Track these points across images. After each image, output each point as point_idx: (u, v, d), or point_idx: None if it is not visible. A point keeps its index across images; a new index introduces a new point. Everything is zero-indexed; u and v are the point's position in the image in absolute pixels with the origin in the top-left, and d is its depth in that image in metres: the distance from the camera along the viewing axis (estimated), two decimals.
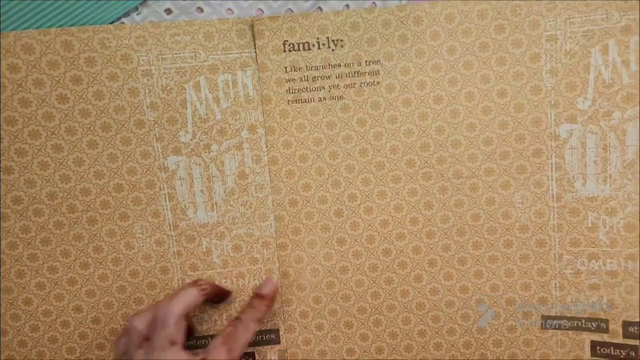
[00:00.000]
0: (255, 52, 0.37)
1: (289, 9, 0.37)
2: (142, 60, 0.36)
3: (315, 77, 0.37)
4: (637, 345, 0.38)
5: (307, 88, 0.37)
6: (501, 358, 0.40)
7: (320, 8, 0.37)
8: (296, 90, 0.37)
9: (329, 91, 0.37)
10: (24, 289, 0.38)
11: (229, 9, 0.37)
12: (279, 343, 0.41)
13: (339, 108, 0.38)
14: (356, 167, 0.38)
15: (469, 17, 0.36)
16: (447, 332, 0.40)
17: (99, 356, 0.40)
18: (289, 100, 0.37)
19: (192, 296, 0.35)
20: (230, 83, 0.37)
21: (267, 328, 0.41)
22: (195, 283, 0.37)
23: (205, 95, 0.37)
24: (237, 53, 0.37)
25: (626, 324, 0.38)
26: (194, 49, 0.36)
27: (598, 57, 0.35)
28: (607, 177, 0.37)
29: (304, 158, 0.38)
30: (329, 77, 0.37)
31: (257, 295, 0.38)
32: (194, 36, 0.36)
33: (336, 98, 0.37)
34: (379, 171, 0.38)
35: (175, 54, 0.36)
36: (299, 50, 0.37)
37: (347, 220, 0.39)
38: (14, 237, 0.38)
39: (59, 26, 0.35)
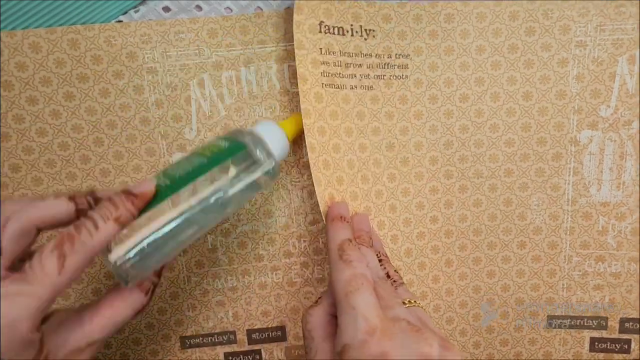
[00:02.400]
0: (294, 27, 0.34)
1: (288, 7, 0.36)
2: (147, 57, 0.35)
3: (347, 63, 0.36)
4: (630, 340, 0.40)
5: (340, 74, 0.36)
6: (507, 357, 0.40)
7: None
8: (330, 75, 0.35)
9: (360, 80, 0.36)
10: None
11: (227, 7, 0.36)
12: (286, 340, 0.40)
13: (368, 99, 0.36)
14: (383, 162, 0.37)
15: (500, 17, 0.36)
16: (459, 333, 0.40)
17: None
18: (323, 84, 0.35)
19: (59, 206, 0.26)
20: (234, 80, 0.36)
21: (274, 325, 0.39)
22: (72, 197, 0.27)
23: (210, 92, 0.36)
24: (241, 50, 0.36)
25: (623, 320, 0.40)
26: (198, 46, 0.36)
27: (624, 66, 0.36)
28: (621, 184, 0.38)
29: (337, 148, 0.36)
30: (360, 66, 0.36)
31: (124, 191, 0.26)
32: (197, 33, 0.35)
33: (366, 88, 0.36)
34: (404, 167, 0.38)
35: (180, 51, 0.35)
36: (333, 33, 0.35)
37: (375, 219, 0.38)
38: None
39: (58, 25, 0.34)
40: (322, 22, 0.35)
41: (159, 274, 0.29)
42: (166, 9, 0.36)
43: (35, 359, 0.24)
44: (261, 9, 0.36)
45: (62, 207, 0.26)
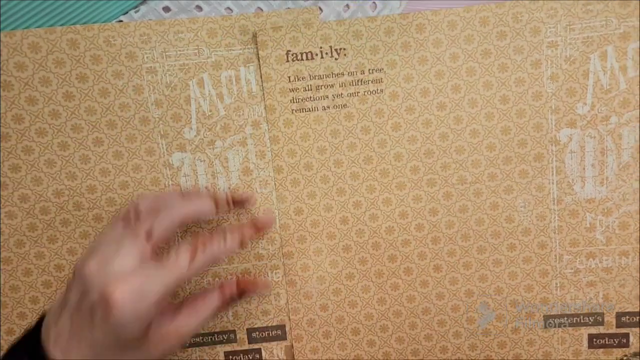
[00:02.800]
0: (259, 61, 0.37)
1: (288, 8, 0.37)
2: (147, 57, 0.36)
3: (318, 86, 0.37)
4: (628, 333, 0.40)
5: (310, 97, 0.37)
6: (506, 359, 0.41)
7: (320, 8, 0.37)
8: (300, 100, 0.37)
9: (333, 100, 0.37)
10: (30, 287, 0.39)
11: (228, 8, 0.37)
12: (286, 339, 0.41)
13: (342, 116, 0.38)
14: (361, 175, 0.38)
15: (471, 24, 0.36)
16: (452, 335, 0.41)
17: None
18: (293, 110, 0.37)
19: (205, 207, 0.33)
20: (234, 79, 0.37)
21: (274, 324, 0.41)
22: (209, 193, 0.35)
23: (209, 91, 0.37)
24: (240, 49, 0.37)
25: (619, 315, 0.39)
26: (197, 45, 0.37)
27: (597, 63, 0.36)
28: (604, 179, 0.38)
29: (309, 166, 0.38)
30: (332, 86, 0.37)
31: (252, 223, 0.35)
32: (197, 33, 0.36)
33: (340, 107, 0.37)
34: (384, 178, 0.38)
35: (179, 51, 0.36)
36: (302, 59, 0.37)
37: (353, 228, 0.39)
38: (21, 235, 0.38)
39: (59, 25, 0.35)
40: (289, 51, 0.36)
41: (240, 295, 0.35)
42: (166, 9, 0.36)
43: (144, 331, 0.29)
44: (261, 10, 0.37)
45: (207, 207, 0.33)
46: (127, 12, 0.36)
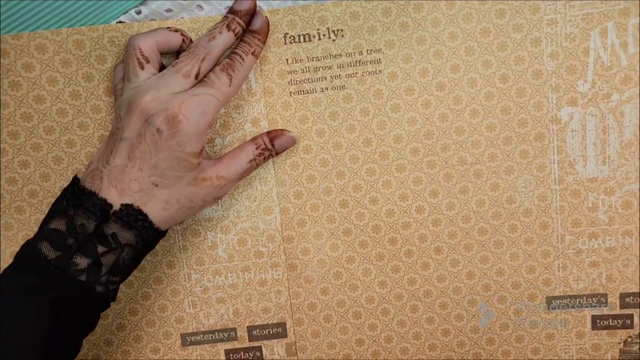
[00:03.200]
0: None
1: (288, 7, 0.37)
2: None
3: (316, 67, 0.37)
4: (632, 314, 0.39)
5: (308, 79, 0.37)
6: (508, 340, 0.40)
7: None
8: (298, 82, 0.37)
9: (331, 81, 0.37)
10: None
11: (228, 7, 0.37)
12: (286, 336, 0.41)
13: (341, 98, 0.37)
14: (360, 158, 0.38)
15: (469, 2, 0.36)
16: (454, 318, 0.40)
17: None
18: (291, 92, 0.37)
19: (171, 37, 0.34)
20: None
21: (274, 322, 0.41)
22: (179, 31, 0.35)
23: None
24: None
25: (623, 295, 0.39)
26: None
27: (597, 40, 0.36)
28: (606, 158, 0.37)
29: (308, 149, 0.38)
30: (330, 68, 0.37)
31: (249, 31, 0.35)
32: (198, 33, 0.36)
33: (338, 88, 0.37)
34: (383, 161, 0.38)
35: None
36: (299, 42, 0.36)
37: (353, 211, 0.39)
38: (28, 230, 0.38)
39: (59, 26, 0.36)
40: (286, 34, 0.36)
41: (272, 141, 0.37)
42: (168, 10, 0.37)
43: (198, 156, 0.32)
44: (262, 9, 0.37)
45: (174, 37, 0.34)
46: (127, 12, 0.37)
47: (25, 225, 0.38)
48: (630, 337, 0.40)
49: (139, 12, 0.36)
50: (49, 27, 0.36)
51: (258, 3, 0.36)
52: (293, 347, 0.41)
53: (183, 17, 0.36)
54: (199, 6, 0.37)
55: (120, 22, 0.36)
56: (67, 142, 0.37)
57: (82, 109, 0.37)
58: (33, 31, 0.35)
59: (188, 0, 0.36)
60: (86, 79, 0.37)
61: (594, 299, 0.39)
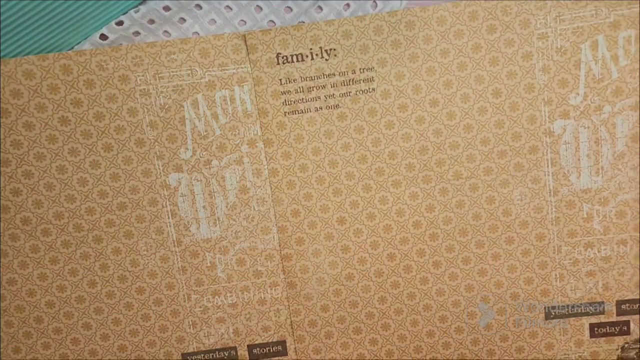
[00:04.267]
0: (250, 66, 0.37)
1: (288, 7, 0.37)
2: (140, 80, 0.36)
3: (310, 87, 0.37)
4: (629, 321, 0.40)
5: (302, 99, 0.37)
6: (508, 352, 0.41)
7: (320, 7, 0.37)
8: (292, 102, 0.37)
9: (325, 101, 0.37)
10: (35, 307, 0.39)
11: (227, 6, 0.37)
12: (287, 354, 0.41)
13: (335, 117, 0.38)
14: (356, 175, 0.38)
15: (460, 18, 0.36)
16: (454, 331, 0.41)
17: None
18: (285, 112, 0.37)
19: None
20: (228, 99, 0.37)
21: (274, 340, 0.41)
22: None
23: (204, 111, 0.37)
24: (234, 69, 0.37)
25: (619, 303, 0.39)
26: (190, 66, 0.37)
27: (588, 53, 0.36)
28: (600, 169, 0.38)
29: (304, 168, 0.38)
30: (324, 87, 0.37)
31: None
32: (189, 54, 0.36)
33: (332, 107, 0.37)
34: (379, 177, 0.38)
35: (172, 72, 0.37)
36: (292, 62, 0.37)
37: (350, 228, 0.39)
38: (24, 256, 0.38)
39: (59, 25, 0.36)
40: (279, 54, 0.36)
41: None
42: (166, 8, 0.36)
43: None
44: (261, 9, 0.37)
45: None
46: (127, 12, 0.36)
47: (20, 252, 0.38)
48: (627, 343, 0.40)
49: (137, 11, 0.36)
50: (50, 27, 0.35)
51: (258, 3, 0.36)
52: None
53: (181, 17, 0.36)
54: (198, 5, 0.37)
55: (120, 22, 0.36)
56: (57, 168, 0.37)
57: (72, 135, 0.37)
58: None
59: (187, 0, 0.36)
60: (75, 104, 0.36)
61: (591, 307, 0.40)
